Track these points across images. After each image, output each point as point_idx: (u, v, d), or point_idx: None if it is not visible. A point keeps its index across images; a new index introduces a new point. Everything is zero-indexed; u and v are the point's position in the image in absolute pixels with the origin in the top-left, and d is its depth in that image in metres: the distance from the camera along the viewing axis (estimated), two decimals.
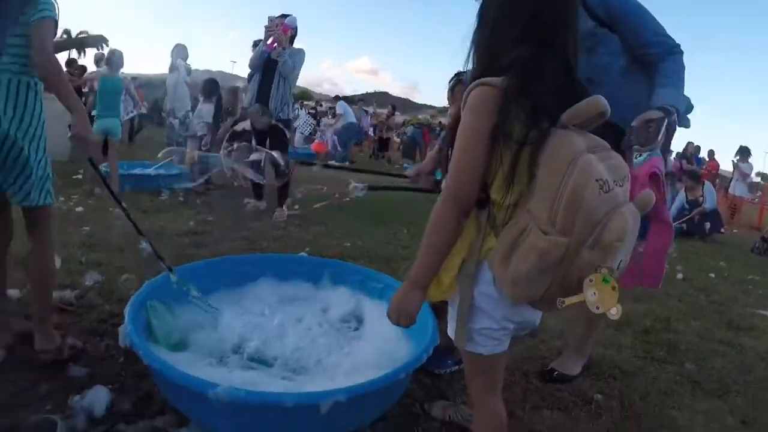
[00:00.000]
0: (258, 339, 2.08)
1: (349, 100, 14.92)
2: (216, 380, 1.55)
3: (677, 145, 17.01)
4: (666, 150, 2.21)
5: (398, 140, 16.77)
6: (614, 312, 1.07)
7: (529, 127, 1.12)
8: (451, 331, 1.34)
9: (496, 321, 1.27)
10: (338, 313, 2.44)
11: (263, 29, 5.17)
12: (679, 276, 4.90)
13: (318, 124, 14.35)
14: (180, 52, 7.26)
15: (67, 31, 6.54)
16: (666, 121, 1.82)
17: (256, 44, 5.78)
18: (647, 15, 2.03)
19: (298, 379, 1.94)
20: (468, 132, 1.18)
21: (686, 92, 2.02)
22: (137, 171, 6.40)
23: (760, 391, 2.62)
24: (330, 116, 13.32)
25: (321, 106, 21.37)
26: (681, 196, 8.86)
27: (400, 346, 2.07)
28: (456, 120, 1.24)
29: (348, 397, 1.55)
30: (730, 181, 12.31)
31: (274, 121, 5.01)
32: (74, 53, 6.27)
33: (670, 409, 2.31)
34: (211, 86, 6.97)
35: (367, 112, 15.46)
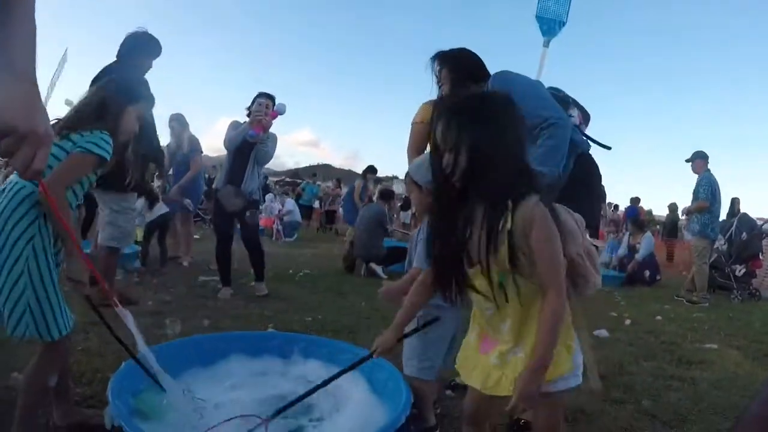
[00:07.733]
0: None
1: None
2: None
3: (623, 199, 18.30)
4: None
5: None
6: None
7: None
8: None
9: None
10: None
11: (248, 111, 4.94)
12: (628, 322, 5.15)
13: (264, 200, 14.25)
14: None
15: None
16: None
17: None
18: (527, 99, 2.21)
19: None
20: (555, 238, 1.46)
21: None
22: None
23: (713, 416, 2.82)
24: (280, 204, 13.22)
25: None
26: (624, 242, 9.38)
27: (377, 412, 2.16)
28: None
29: None
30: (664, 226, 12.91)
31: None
32: None
33: None
34: None
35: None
